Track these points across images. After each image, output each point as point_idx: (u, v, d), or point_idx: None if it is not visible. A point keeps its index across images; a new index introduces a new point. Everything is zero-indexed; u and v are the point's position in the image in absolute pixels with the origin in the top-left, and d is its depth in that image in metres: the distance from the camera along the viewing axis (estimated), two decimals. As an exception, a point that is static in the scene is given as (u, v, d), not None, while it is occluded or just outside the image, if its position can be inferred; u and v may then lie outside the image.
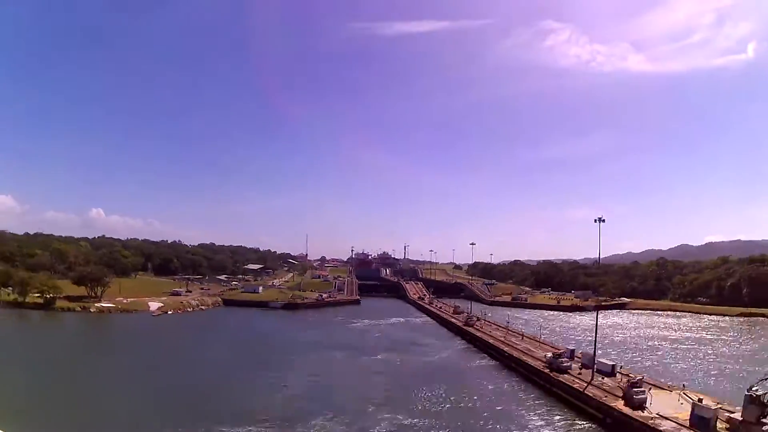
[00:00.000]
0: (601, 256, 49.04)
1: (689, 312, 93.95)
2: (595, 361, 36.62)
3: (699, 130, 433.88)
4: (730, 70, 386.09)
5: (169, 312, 71.20)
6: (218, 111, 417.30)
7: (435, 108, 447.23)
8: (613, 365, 36.61)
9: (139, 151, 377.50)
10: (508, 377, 40.97)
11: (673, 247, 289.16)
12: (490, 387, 37.56)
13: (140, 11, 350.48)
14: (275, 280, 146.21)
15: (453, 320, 70.20)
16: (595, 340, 40.36)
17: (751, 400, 22.66)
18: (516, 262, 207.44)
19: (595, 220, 40.78)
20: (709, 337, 64.42)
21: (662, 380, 35.01)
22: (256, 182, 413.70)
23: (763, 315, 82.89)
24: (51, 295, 67.72)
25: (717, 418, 23.90)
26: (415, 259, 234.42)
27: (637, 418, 26.07)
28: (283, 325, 72.44)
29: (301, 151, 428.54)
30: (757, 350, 54.30)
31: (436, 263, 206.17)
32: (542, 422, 29.04)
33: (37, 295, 67.90)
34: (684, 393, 29.63)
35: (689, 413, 25.05)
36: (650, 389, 29.70)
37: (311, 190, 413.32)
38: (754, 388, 23.15)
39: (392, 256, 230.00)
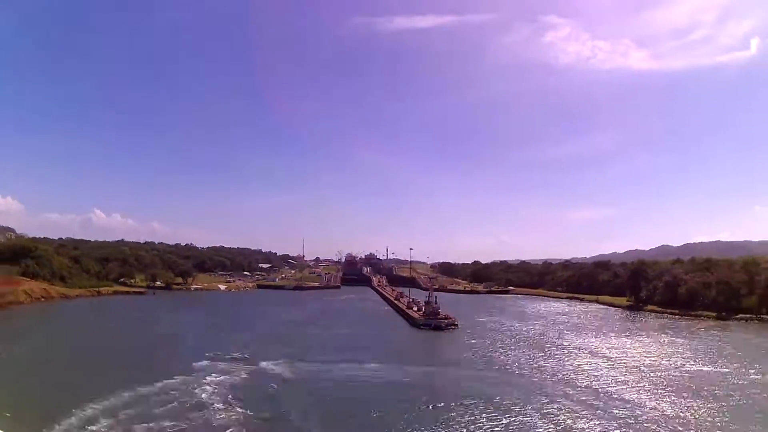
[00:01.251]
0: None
1: (554, 298, 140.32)
2: (431, 303, 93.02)
3: (695, 130, 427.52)
4: (731, 67, 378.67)
5: (232, 290, 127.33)
6: (212, 109, 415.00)
7: (432, 107, 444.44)
8: (436, 307, 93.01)
9: (133, 151, 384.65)
10: (395, 314, 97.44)
11: (654, 247, 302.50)
12: (385, 318, 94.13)
13: (137, 10, 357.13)
14: (281, 275, 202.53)
15: (388, 296, 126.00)
16: (436, 299, 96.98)
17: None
18: (475, 262, 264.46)
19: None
20: (525, 306, 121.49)
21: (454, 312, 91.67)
22: (252, 182, 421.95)
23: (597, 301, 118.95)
24: (168, 282, 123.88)
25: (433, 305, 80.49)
26: (399, 258, 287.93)
27: (406, 312, 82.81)
28: (294, 297, 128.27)
29: (298, 151, 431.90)
30: (522, 312, 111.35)
31: (414, 261, 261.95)
32: (394, 322, 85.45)
33: (159, 282, 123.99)
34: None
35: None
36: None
37: (308, 191, 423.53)
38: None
39: (376, 257, 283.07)
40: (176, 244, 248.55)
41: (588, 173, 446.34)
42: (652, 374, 43.08)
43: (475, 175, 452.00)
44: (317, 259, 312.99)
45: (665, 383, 39.73)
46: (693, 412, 32.17)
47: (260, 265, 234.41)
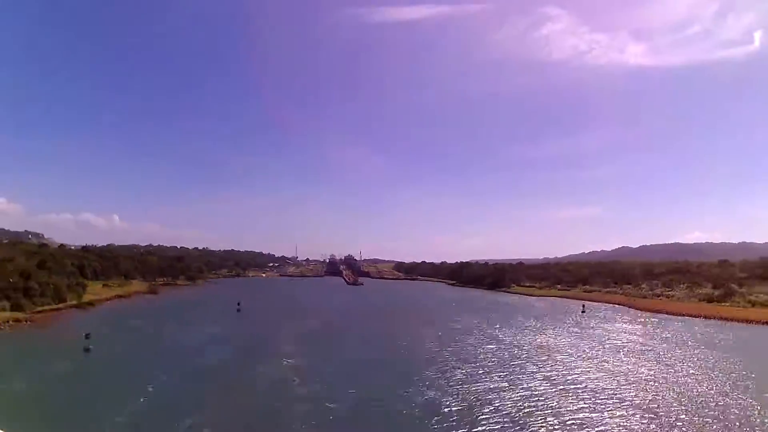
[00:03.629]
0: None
1: (437, 281, 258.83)
2: (356, 278, 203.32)
3: (691, 128, 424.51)
4: (730, 64, 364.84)
5: (268, 277, 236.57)
6: (204, 109, 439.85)
7: (419, 105, 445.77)
8: (359, 279, 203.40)
9: (125, 152, 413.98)
10: (344, 284, 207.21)
11: (616, 248, 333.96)
12: (338, 284, 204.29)
13: (133, 11, 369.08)
14: (288, 270, 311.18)
15: (345, 279, 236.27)
16: (361, 280, 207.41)
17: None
18: (423, 262, 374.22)
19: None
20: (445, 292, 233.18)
21: (373, 287, 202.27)
22: (247, 183, 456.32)
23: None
24: (237, 273, 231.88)
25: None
26: (378, 257, 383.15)
27: (347, 282, 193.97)
28: (300, 281, 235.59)
29: (287, 151, 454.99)
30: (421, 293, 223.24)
31: (385, 261, 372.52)
32: (341, 285, 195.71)
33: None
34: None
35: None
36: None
37: (298, 192, 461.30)
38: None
39: (353, 257, 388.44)
40: (204, 248, 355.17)
41: (572, 172, 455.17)
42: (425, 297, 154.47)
43: (455, 177, 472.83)
44: (307, 260, 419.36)
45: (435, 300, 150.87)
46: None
47: (269, 264, 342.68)
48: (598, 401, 32.19)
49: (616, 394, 33.97)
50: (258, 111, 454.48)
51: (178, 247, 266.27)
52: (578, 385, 36.16)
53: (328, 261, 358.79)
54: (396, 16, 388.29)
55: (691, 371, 42.50)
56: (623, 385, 36.94)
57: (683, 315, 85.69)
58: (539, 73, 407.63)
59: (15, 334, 55.20)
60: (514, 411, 29.71)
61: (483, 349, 52.39)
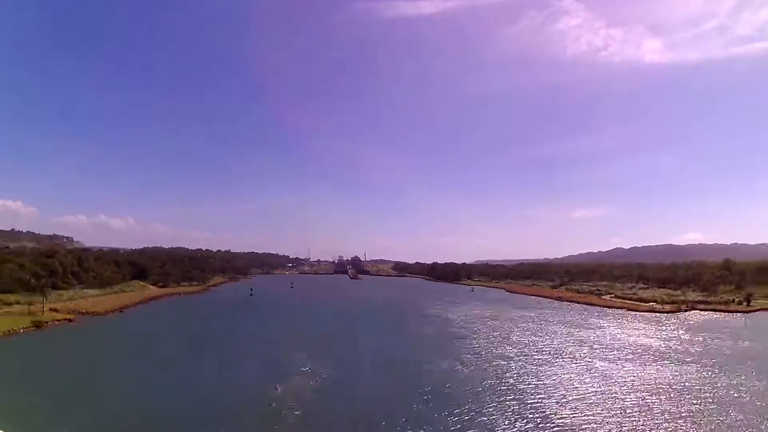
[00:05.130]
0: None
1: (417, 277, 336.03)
2: (357, 274, 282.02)
3: (702, 125, 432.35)
4: (744, 61, 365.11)
5: (291, 275, 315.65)
6: (209, 110, 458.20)
7: (432, 102, 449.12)
8: (359, 275, 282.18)
9: (137, 155, 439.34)
10: (348, 279, 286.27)
11: (610, 249, 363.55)
12: (344, 278, 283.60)
13: (143, 13, 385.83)
14: (305, 268, 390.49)
15: (349, 275, 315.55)
16: (360, 276, 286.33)
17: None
18: (417, 263, 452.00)
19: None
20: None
21: (372, 281, 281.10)
22: (255, 184, 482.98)
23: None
24: (269, 270, 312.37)
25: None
26: (383, 258, 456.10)
27: (350, 277, 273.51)
28: (317, 277, 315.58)
29: (297, 152, 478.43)
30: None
31: (386, 261, 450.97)
32: (345, 279, 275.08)
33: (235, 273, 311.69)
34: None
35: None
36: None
37: (304, 194, 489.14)
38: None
39: (359, 258, 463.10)
40: (225, 251, 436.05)
41: (581, 173, 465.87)
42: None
43: (462, 177, 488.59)
44: (319, 260, 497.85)
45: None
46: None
47: (288, 264, 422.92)
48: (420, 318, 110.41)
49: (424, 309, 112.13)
50: (266, 113, 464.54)
51: (204, 249, 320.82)
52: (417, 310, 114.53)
53: (337, 261, 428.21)
54: (409, 11, 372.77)
55: (482, 311, 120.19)
56: (437, 303, 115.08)
57: (527, 294, 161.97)
58: (554, 70, 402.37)
59: (209, 293, 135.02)
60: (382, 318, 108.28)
61: (404, 300, 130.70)
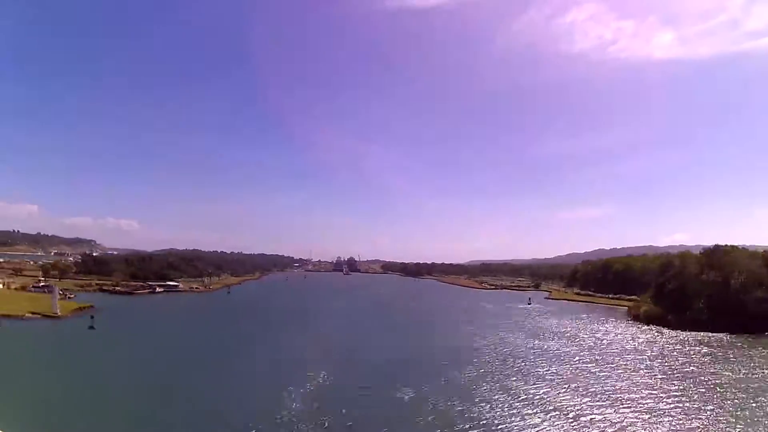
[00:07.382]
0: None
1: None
2: (348, 271, 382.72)
3: (707, 123, 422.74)
4: (754, 57, 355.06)
5: (299, 273, 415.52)
6: (207, 108, 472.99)
7: (430, 105, 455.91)
8: (349, 272, 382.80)
9: (139, 158, 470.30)
10: (342, 275, 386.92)
11: (592, 250, 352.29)
12: (337, 275, 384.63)
13: (148, 14, 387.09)
14: (308, 268, 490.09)
15: (344, 272, 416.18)
16: (351, 273, 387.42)
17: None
18: (402, 263, 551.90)
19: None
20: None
21: (366, 278, 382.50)
22: (253, 186, 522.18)
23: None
24: (282, 268, 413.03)
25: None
26: (376, 258, 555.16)
27: (344, 274, 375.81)
28: (319, 275, 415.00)
29: (297, 153, 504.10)
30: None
31: (376, 261, 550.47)
32: (339, 275, 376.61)
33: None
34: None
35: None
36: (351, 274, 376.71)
37: (312, 200, 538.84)
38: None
39: (354, 259, 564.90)
40: (238, 252, 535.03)
41: (580, 173, 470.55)
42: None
43: (467, 176, 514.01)
44: (319, 261, 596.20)
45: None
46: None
47: (294, 264, 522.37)
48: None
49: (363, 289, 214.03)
50: (265, 114, 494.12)
51: (218, 251, 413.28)
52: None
53: (335, 261, 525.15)
54: (413, 3, 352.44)
55: (390, 289, 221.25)
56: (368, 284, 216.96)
57: (447, 282, 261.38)
58: (561, 67, 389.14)
59: (266, 279, 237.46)
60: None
61: (370, 287, 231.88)
